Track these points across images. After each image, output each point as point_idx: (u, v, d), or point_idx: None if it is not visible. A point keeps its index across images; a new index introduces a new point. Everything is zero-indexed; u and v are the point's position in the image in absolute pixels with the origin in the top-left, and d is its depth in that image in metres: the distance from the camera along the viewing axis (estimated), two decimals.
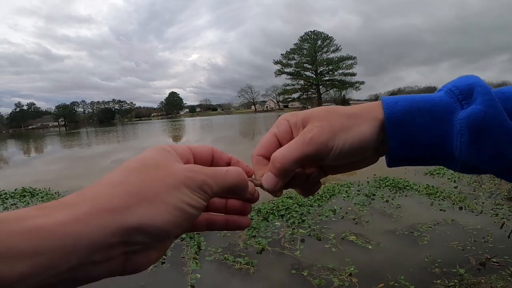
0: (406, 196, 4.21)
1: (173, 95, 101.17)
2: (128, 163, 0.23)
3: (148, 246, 0.20)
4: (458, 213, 3.51)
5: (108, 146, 15.99)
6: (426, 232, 3.00)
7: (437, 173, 5.43)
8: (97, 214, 0.18)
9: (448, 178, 5.07)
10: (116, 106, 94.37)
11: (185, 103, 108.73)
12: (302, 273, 2.37)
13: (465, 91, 0.28)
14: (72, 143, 20.12)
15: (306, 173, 0.33)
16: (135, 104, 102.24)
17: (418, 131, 0.28)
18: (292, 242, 2.90)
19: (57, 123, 79.62)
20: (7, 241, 0.15)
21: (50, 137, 29.53)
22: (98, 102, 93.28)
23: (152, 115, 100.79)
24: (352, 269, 2.36)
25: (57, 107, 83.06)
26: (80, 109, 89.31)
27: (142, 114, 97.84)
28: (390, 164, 0.32)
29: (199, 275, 2.41)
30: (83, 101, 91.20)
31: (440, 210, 3.61)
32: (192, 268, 2.51)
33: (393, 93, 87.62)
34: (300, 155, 0.28)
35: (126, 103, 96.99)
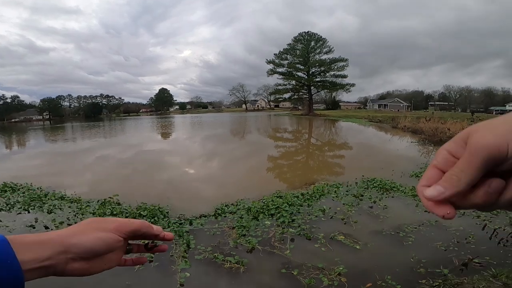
0: (392, 197, 4.31)
1: (163, 91, 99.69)
2: (86, 220, 0.42)
3: (83, 258, 0.38)
4: None
5: (93, 142, 15.61)
6: (411, 233, 3.08)
7: (422, 175, 5.58)
8: (56, 238, 0.37)
9: None
10: (104, 101, 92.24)
11: (175, 100, 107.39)
12: (292, 272, 2.39)
13: None
14: (56, 137, 19.52)
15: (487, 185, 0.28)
16: (123, 99, 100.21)
17: None
18: (282, 241, 2.92)
19: (41, 117, 77.14)
20: (27, 243, 0.35)
21: (34, 131, 28.57)
22: (85, 96, 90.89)
23: (141, 111, 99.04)
24: (341, 268, 2.40)
25: (42, 100, 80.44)
26: (66, 103, 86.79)
27: (130, 110, 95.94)
28: None
29: (188, 274, 2.39)
30: (69, 95, 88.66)
31: (425, 211, 3.72)
32: (181, 267, 2.49)
33: (382, 96, 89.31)
34: (469, 166, 0.27)
35: (115, 98, 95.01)
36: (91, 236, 0.39)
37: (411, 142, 11.90)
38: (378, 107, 74.82)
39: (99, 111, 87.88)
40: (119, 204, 4.26)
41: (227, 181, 6.02)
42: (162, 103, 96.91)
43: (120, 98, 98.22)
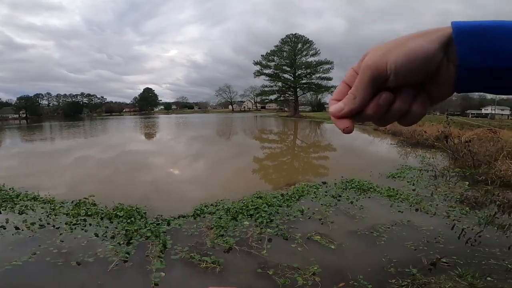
0: (369, 197, 4.44)
1: (148, 91, 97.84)
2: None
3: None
4: (414, 214, 3.77)
5: (72, 142, 15.10)
6: (384, 233, 3.19)
7: (398, 176, 5.78)
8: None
9: (408, 181, 5.42)
10: (85, 100, 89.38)
11: (160, 100, 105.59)
12: (268, 272, 2.42)
13: None
14: (32, 137, 18.72)
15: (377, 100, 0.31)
16: (106, 98, 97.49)
17: (491, 39, 0.26)
18: (259, 242, 2.95)
19: (17, 116, 73.78)
20: None
21: (9, 130, 27.27)
22: (65, 95, 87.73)
23: (124, 110, 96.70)
24: (316, 268, 2.45)
25: (19, 98, 76.98)
26: (45, 102, 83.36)
27: (113, 109, 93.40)
28: (460, 83, 0.28)
29: (163, 274, 2.38)
30: (48, 93, 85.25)
31: (399, 211, 3.86)
32: (156, 267, 2.47)
33: None
34: (360, 85, 0.30)
35: (96, 97, 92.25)
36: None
37: (391, 144, 12.27)
38: None
39: (79, 110, 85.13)
40: (94, 204, 4.17)
41: (212, 182, 5.99)
42: (146, 103, 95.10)
43: (102, 97, 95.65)
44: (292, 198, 4.30)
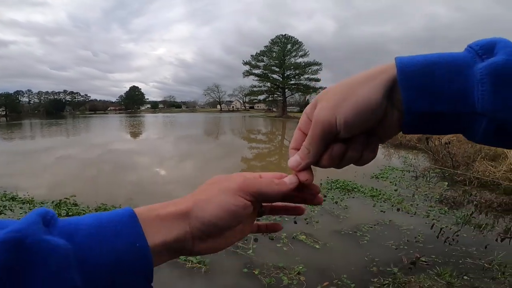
0: (353, 197, 4.54)
1: (134, 89, 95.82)
2: (210, 179, 0.34)
3: (205, 235, 0.30)
4: (396, 214, 3.88)
5: (54, 141, 14.61)
6: (367, 232, 3.27)
7: (381, 177, 5.94)
8: (183, 211, 0.30)
9: (390, 182, 5.57)
10: (68, 98, 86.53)
11: (147, 99, 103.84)
12: (254, 271, 2.44)
13: (486, 47, 0.26)
14: (12, 135, 17.98)
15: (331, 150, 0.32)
16: (89, 96, 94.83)
17: (436, 81, 0.26)
18: (245, 241, 2.95)
19: None
20: (154, 220, 0.28)
21: None
22: (47, 92, 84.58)
23: (109, 109, 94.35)
24: (301, 267, 2.48)
25: None
26: (25, 99, 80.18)
27: (97, 108, 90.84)
28: (406, 125, 0.28)
29: None
30: (29, 90, 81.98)
31: (381, 211, 3.96)
32: None
33: None
34: (312, 140, 0.30)
35: (80, 94, 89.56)
36: (212, 206, 0.29)
37: None
38: None
39: (61, 108, 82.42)
40: (76, 205, 4.06)
41: (200, 183, 5.75)
42: (132, 101, 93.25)
43: (85, 95, 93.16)
44: None
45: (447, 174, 6.18)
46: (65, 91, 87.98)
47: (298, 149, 0.33)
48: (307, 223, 3.48)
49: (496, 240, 3.10)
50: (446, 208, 4.18)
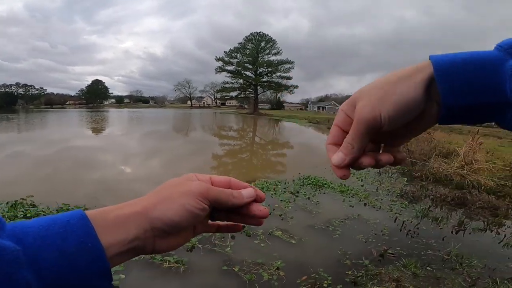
0: (324, 193, 4.73)
1: (97, 83, 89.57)
2: (167, 182, 0.35)
3: (166, 233, 0.31)
4: (363, 208, 4.12)
5: (3, 137, 13.20)
6: (338, 226, 3.43)
7: None
8: (141, 211, 0.31)
9: (357, 178, 5.89)
10: (20, 91, 78.47)
11: (112, 93, 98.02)
12: (234, 269, 2.45)
13: None
14: None
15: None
16: (46, 89, 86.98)
17: (470, 77, 0.28)
18: (222, 239, 2.94)
19: None
20: (110, 221, 0.29)
21: None
22: None
23: (67, 103, 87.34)
24: (279, 263, 2.54)
25: None
26: None
27: (54, 102, 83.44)
28: (443, 118, 0.30)
29: (123, 276, 2.25)
30: None
31: (350, 206, 4.18)
32: (115, 269, 2.31)
33: (321, 99, 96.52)
34: (357, 136, 0.32)
35: (34, 87, 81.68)
36: (175, 206, 0.31)
37: None
38: (317, 109, 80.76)
39: (13, 102, 74.61)
40: (34, 206, 3.72)
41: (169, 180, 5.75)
42: (94, 95, 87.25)
43: (41, 88, 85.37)
44: None
45: (406, 170, 6.67)
46: (17, 84, 79.75)
47: (335, 144, 0.35)
48: (282, 219, 3.55)
49: (452, 232, 3.44)
50: (406, 202, 4.51)
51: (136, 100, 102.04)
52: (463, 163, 6.24)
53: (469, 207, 4.35)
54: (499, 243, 3.20)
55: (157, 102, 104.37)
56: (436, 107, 0.30)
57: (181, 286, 2.25)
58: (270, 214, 3.69)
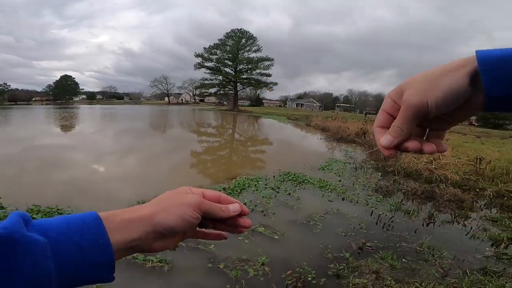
0: (304, 189, 4.84)
1: (66, 78, 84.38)
2: (165, 193, 0.40)
3: (164, 236, 0.37)
4: (342, 203, 4.27)
5: None
6: (319, 221, 3.53)
7: (327, 169, 6.44)
8: (144, 216, 0.36)
9: (335, 173, 6.09)
10: None
11: (82, 89, 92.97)
12: (219, 266, 2.46)
13: None
14: None
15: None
16: (9, 85, 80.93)
17: (511, 70, 0.30)
18: None
19: None
20: (117, 223, 0.34)
21: None
22: None
23: (33, 99, 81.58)
24: (264, 259, 2.58)
25: None
26: None
27: (19, 98, 77.44)
28: (486, 106, 0.33)
29: None
30: None
31: (329, 200, 4.31)
32: None
33: (299, 96, 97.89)
34: (405, 120, 0.35)
35: None
36: (174, 214, 0.37)
37: (320, 138, 13.51)
38: (296, 106, 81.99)
39: None
40: (2, 207, 3.48)
41: (146, 180, 5.59)
42: (63, 91, 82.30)
43: (5, 83, 79.36)
44: (235, 192, 4.37)
45: (380, 165, 6.98)
46: None
47: (382, 127, 0.38)
48: (264, 215, 3.59)
49: (423, 225, 3.64)
50: (381, 196, 4.73)
51: (110, 96, 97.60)
52: (431, 158, 6.63)
53: (437, 200, 4.61)
54: (466, 234, 3.39)
55: (132, 98, 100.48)
56: (481, 97, 0.33)
57: (166, 285, 2.22)
58: (252, 210, 3.73)
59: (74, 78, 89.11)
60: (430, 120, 0.37)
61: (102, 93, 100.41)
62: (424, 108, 0.34)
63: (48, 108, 47.05)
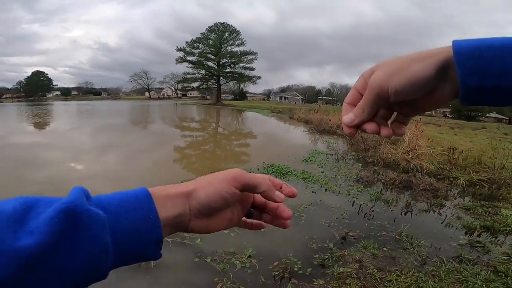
0: (288, 180, 4.91)
1: (38, 74, 79.81)
2: (207, 175, 0.39)
3: (201, 213, 0.36)
4: (324, 194, 4.38)
5: None
6: (303, 212, 3.61)
7: (310, 160, 6.57)
8: (186, 192, 0.35)
9: (318, 165, 6.22)
10: None
11: (56, 85, 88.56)
12: (206, 260, 2.47)
13: None
14: None
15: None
16: None
17: (486, 61, 0.29)
18: None
19: None
20: (163, 198, 0.33)
21: None
22: None
23: (4, 96, 76.75)
24: (250, 251, 2.62)
25: None
26: None
27: None
28: (462, 98, 0.31)
29: None
30: None
31: (312, 192, 4.41)
32: None
33: (283, 89, 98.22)
34: (367, 102, 0.35)
35: None
36: (209, 190, 0.35)
37: (303, 131, 13.70)
38: (279, 99, 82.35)
39: None
40: None
41: (128, 176, 5.46)
42: (35, 88, 77.95)
43: None
44: None
45: (360, 156, 7.20)
46: None
47: (351, 104, 0.39)
48: None
49: (401, 213, 3.77)
50: (362, 186, 4.86)
51: (86, 92, 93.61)
52: (408, 149, 6.90)
53: (414, 189, 4.78)
54: (441, 223, 3.53)
55: (111, 94, 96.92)
56: (448, 88, 0.32)
57: (153, 281, 2.21)
58: None
59: (47, 74, 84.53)
60: (399, 104, 0.37)
61: (77, 89, 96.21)
62: (384, 92, 0.34)
63: (20, 105, 44.37)
